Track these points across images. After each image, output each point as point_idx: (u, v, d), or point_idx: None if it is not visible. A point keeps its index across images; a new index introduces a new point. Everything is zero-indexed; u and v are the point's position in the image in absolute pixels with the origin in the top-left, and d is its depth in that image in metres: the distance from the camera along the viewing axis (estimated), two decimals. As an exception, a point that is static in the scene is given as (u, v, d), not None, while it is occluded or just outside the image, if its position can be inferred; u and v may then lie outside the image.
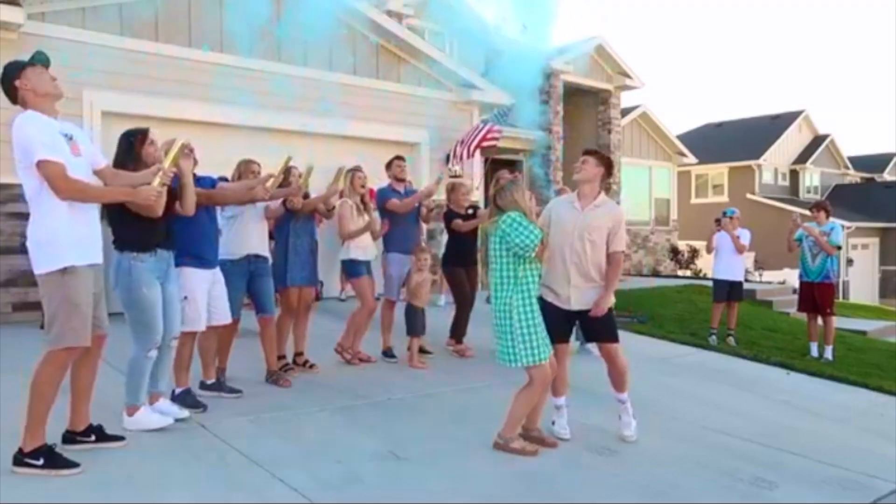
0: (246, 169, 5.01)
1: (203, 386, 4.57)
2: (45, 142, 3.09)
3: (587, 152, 4.32)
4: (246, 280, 4.88)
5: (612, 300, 4.14)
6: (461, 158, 9.96)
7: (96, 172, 3.37)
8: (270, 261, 5.08)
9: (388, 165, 6.26)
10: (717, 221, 8.18)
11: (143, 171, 3.47)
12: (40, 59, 3.26)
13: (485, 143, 9.86)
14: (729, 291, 7.98)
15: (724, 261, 8.02)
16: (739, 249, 7.94)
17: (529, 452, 3.78)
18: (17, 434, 3.19)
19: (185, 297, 4.11)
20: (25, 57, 3.31)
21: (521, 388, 3.84)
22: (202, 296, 4.24)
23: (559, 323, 4.10)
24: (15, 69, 3.22)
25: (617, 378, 4.18)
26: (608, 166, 4.26)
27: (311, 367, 5.41)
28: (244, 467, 3.41)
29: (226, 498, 3.07)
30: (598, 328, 4.14)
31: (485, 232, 3.95)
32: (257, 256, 4.92)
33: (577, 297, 4.09)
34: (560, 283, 4.12)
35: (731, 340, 7.96)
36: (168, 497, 3.05)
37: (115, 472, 3.25)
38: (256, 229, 4.93)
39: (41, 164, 3.06)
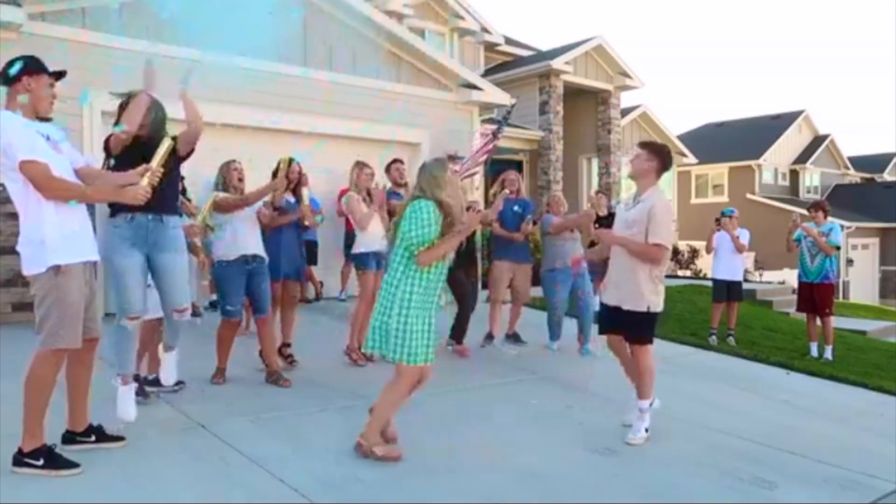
0: (227, 170, 4.97)
1: (146, 382, 4.40)
2: (25, 143, 3.05)
3: (645, 146, 4.20)
4: (244, 280, 4.87)
5: (641, 304, 4.04)
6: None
7: (76, 171, 3.32)
8: (267, 260, 5.06)
9: (388, 169, 6.26)
10: (717, 221, 8.19)
11: (130, 172, 3.40)
12: (60, 77, 3.35)
13: (482, 159, 9.81)
14: (728, 291, 7.99)
15: (724, 260, 8.02)
16: (739, 249, 7.94)
17: (392, 458, 3.52)
18: (18, 435, 3.19)
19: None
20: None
21: (387, 385, 3.63)
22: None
23: (604, 316, 4.24)
24: (35, 66, 3.23)
25: (637, 379, 4.20)
26: (662, 157, 4.12)
27: (292, 362, 5.40)
28: (244, 467, 3.40)
29: (226, 498, 3.07)
30: (630, 327, 4.14)
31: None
32: (254, 257, 4.92)
33: (612, 290, 4.17)
34: (607, 277, 4.27)
35: (730, 340, 7.96)
36: (168, 497, 3.05)
37: (115, 472, 3.24)
38: (248, 231, 4.91)
39: (24, 165, 3.03)
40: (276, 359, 5.10)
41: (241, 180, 4.99)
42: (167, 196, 3.73)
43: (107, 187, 3.37)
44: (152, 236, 3.69)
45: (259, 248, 4.97)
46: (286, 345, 5.46)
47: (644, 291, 4.04)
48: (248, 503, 3.05)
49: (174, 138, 3.67)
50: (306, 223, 5.41)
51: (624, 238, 4.08)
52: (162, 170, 3.43)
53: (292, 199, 5.38)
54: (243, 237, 4.86)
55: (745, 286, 12.05)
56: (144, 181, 3.30)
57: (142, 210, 3.54)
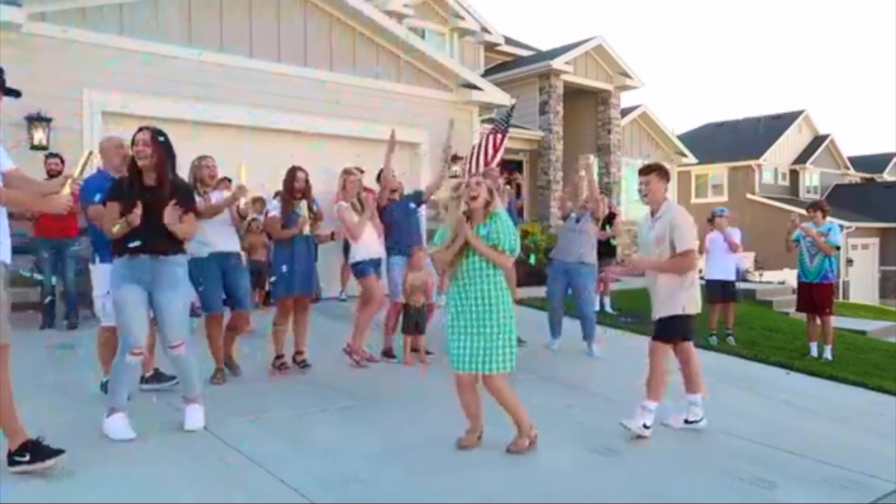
0: (199, 167, 4.93)
1: (142, 380, 4.51)
2: None
3: (648, 171, 4.35)
4: (220, 275, 4.90)
5: (675, 309, 4.22)
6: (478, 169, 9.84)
7: (4, 175, 3.28)
8: (244, 257, 5.14)
9: (378, 178, 6.26)
10: (710, 221, 8.15)
11: (52, 181, 3.43)
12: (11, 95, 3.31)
13: (500, 150, 9.75)
14: (723, 291, 7.93)
15: (717, 260, 7.99)
16: (734, 248, 7.93)
17: (463, 444, 3.80)
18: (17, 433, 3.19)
19: (108, 293, 4.08)
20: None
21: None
22: None
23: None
24: None
25: (648, 378, 4.25)
26: (668, 174, 4.40)
27: (305, 367, 5.41)
28: (244, 467, 3.40)
29: (226, 498, 3.07)
30: (663, 326, 4.30)
31: None
32: (228, 254, 4.96)
33: (654, 303, 4.33)
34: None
35: (730, 340, 7.95)
36: (168, 497, 3.04)
37: (115, 472, 3.25)
38: (221, 230, 4.93)
39: None
40: (226, 355, 5.07)
41: (212, 177, 4.97)
42: (166, 235, 3.78)
43: (32, 194, 3.37)
44: (148, 275, 3.74)
45: (233, 246, 5.02)
46: (299, 352, 5.46)
47: (676, 295, 4.22)
48: (248, 503, 3.05)
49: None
50: (306, 231, 5.30)
51: (654, 262, 4.26)
52: (79, 182, 3.42)
53: (300, 211, 5.32)
54: (215, 236, 4.87)
55: (745, 286, 12.06)
56: (66, 191, 3.30)
57: (141, 250, 3.69)
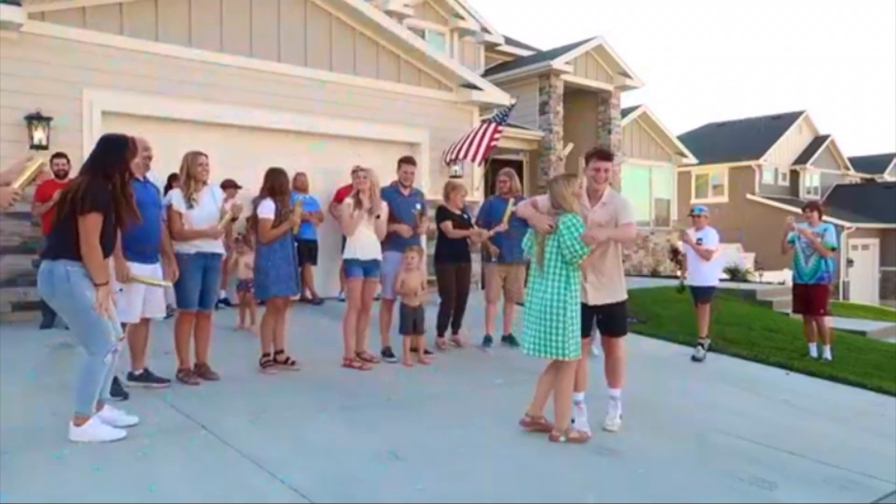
0: (193, 163, 4.93)
1: (131, 377, 4.60)
2: None
3: (609, 157, 4.33)
4: (202, 273, 4.95)
5: (623, 295, 4.31)
6: (465, 160, 9.88)
7: None
8: (224, 256, 5.29)
9: (399, 165, 6.25)
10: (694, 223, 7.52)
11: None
12: None
13: (492, 144, 9.79)
14: (702, 295, 7.02)
15: (697, 266, 6.93)
16: (704, 256, 6.80)
17: (584, 438, 4.04)
18: (17, 431, 3.19)
19: (121, 290, 4.14)
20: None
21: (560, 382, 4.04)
22: (139, 289, 4.32)
23: (583, 318, 4.24)
24: None
25: (611, 369, 4.35)
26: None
27: (292, 363, 5.42)
28: (244, 467, 3.41)
29: (226, 498, 3.07)
30: (609, 321, 4.32)
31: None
32: (211, 254, 5.01)
33: (593, 293, 4.23)
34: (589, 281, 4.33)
35: (699, 351, 6.94)
36: (168, 497, 3.05)
37: (114, 472, 3.25)
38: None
39: None
40: (202, 359, 5.09)
41: (204, 174, 5.00)
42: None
43: None
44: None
45: (216, 247, 5.08)
46: (279, 351, 5.46)
47: (621, 282, 4.34)
48: (248, 503, 3.05)
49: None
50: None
51: (610, 231, 4.20)
52: (20, 192, 3.37)
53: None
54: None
55: (745, 286, 12.05)
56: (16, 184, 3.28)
57: (106, 253, 3.66)
